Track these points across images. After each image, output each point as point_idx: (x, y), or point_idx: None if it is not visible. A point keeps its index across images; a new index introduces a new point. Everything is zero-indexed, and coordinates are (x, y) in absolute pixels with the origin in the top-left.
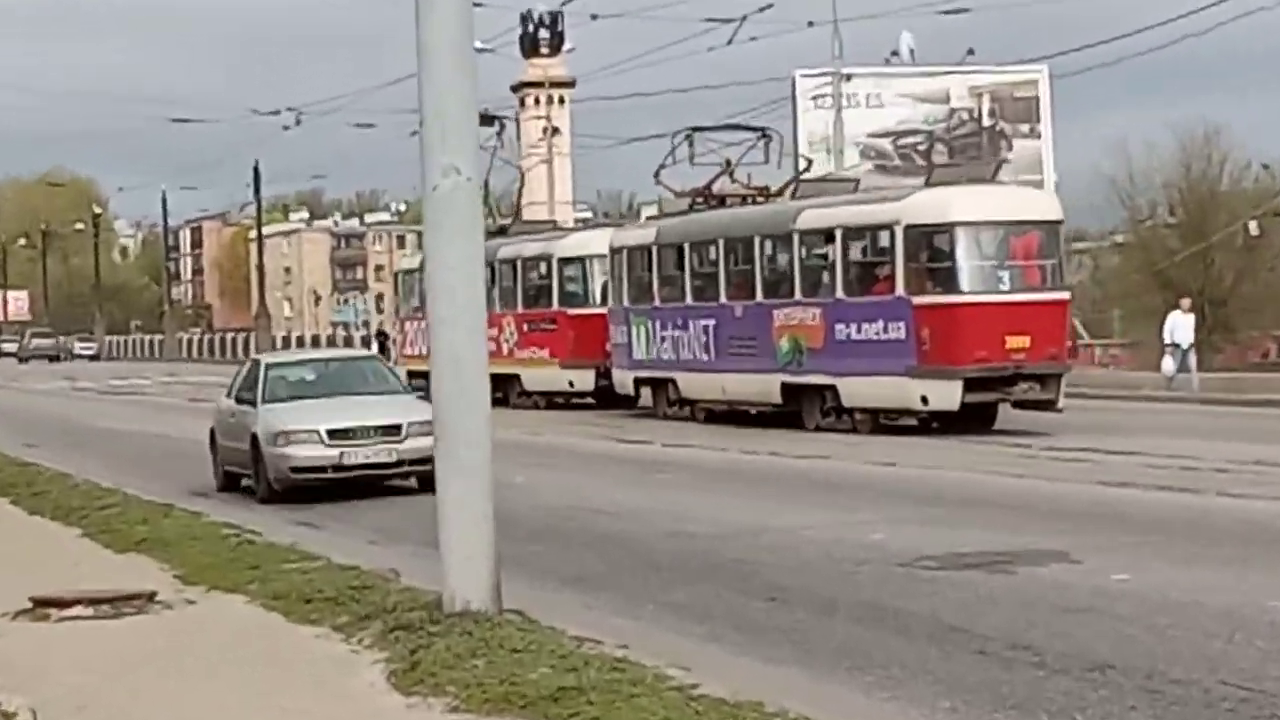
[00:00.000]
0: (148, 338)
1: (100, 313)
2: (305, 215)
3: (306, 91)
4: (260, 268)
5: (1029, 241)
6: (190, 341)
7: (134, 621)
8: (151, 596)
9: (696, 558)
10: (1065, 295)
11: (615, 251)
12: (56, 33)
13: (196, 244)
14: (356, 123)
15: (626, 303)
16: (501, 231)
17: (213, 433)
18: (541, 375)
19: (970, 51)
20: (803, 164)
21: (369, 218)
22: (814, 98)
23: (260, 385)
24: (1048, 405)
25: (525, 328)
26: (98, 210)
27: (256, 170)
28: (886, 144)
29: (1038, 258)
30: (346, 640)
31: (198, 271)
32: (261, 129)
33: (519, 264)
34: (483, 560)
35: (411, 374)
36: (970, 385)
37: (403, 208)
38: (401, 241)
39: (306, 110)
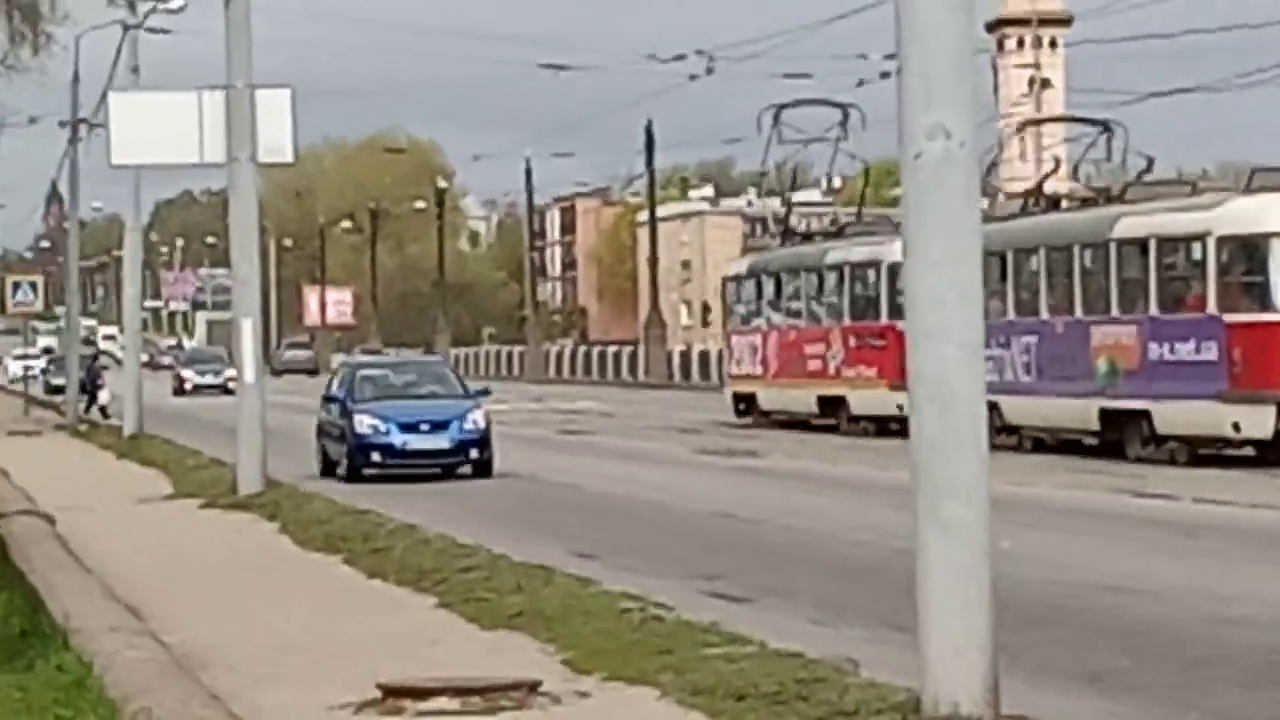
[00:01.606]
0: (504, 350)
1: (445, 317)
2: (710, 192)
3: (719, 31)
4: (653, 261)
5: None
6: (559, 356)
7: (513, 719)
8: (534, 687)
9: (1252, 652)
10: None
11: None
12: None
13: (568, 229)
14: (785, 73)
15: None
16: (839, 233)
17: None
18: (869, 398)
19: None
20: (1144, 163)
21: (795, 196)
22: None
23: None
24: None
25: (852, 343)
26: (443, 184)
27: (649, 132)
28: None
29: None
30: None
31: (569, 265)
32: (658, 79)
33: (846, 270)
34: (976, 651)
35: (737, 397)
36: None
37: (838, 184)
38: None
39: (720, 55)
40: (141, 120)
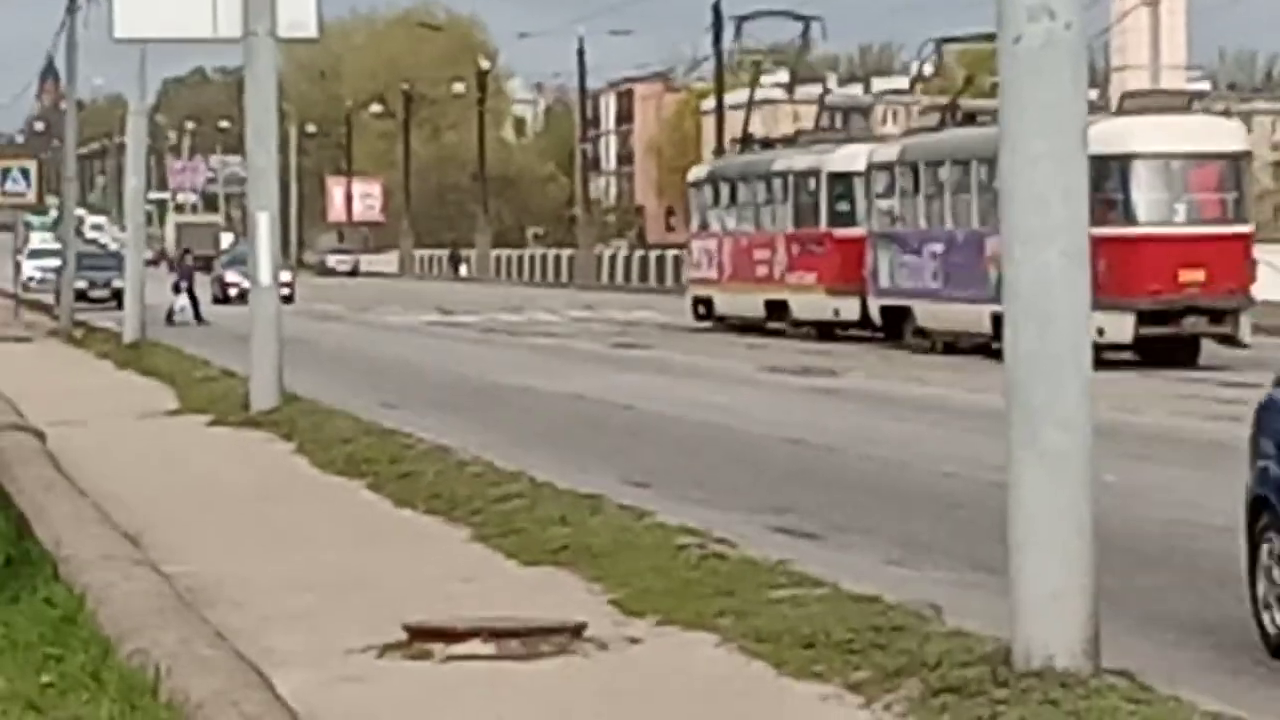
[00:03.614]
0: (551, 253)
1: (485, 214)
2: (784, 78)
3: None
4: (719, 154)
5: (1208, 174)
6: (613, 259)
7: (554, 666)
8: (578, 630)
9: None
10: (1247, 229)
11: (869, 169)
12: None
13: (625, 117)
14: None
15: (875, 226)
16: (794, 140)
17: None
18: (809, 302)
19: None
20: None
21: (878, 84)
22: None
23: None
24: (1229, 340)
25: (795, 250)
26: (485, 65)
27: (717, 10)
28: None
29: (1218, 191)
30: (867, 705)
31: (625, 158)
32: None
33: (790, 178)
34: (1075, 597)
35: (696, 300)
36: (1143, 318)
37: (929, 71)
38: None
39: None
40: None
